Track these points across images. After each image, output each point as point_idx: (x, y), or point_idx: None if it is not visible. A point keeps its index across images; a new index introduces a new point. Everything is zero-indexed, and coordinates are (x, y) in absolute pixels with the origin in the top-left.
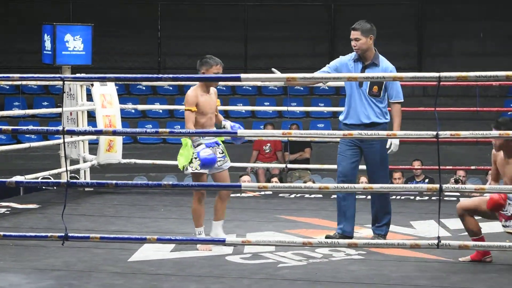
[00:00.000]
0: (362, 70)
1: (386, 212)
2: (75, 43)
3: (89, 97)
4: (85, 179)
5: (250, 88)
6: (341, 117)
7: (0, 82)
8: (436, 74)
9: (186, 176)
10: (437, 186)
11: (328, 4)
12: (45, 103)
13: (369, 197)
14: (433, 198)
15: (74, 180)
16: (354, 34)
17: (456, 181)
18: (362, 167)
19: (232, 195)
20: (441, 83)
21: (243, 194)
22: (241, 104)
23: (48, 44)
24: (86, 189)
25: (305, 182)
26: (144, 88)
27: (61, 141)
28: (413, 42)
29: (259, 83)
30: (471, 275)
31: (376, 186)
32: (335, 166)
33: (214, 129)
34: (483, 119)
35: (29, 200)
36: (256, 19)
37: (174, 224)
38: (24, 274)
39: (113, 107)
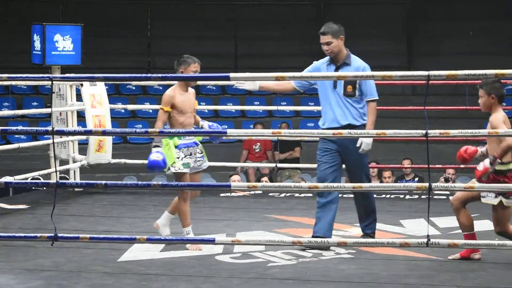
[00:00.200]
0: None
1: (371, 211)
2: (64, 43)
3: (79, 97)
4: (74, 179)
5: (240, 88)
6: (320, 123)
7: None
8: (425, 73)
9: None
10: (427, 185)
11: (318, 4)
12: (35, 104)
13: None
14: (422, 196)
15: (64, 181)
16: (324, 39)
17: (446, 180)
18: None
19: (222, 194)
20: (431, 81)
21: (233, 194)
22: (231, 104)
23: (37, 44)
24: (76, 189)
25: (295, 181)
26: (134, 88)
27: (50, 141)
28: (403, 41)
29: None
30: (460, 274)
31: (365, 185)
32: None
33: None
34: (472, 117)
35: (18, 201)
36: (246, 18)
37: None
38: (13, 275)
39: (103, 107)
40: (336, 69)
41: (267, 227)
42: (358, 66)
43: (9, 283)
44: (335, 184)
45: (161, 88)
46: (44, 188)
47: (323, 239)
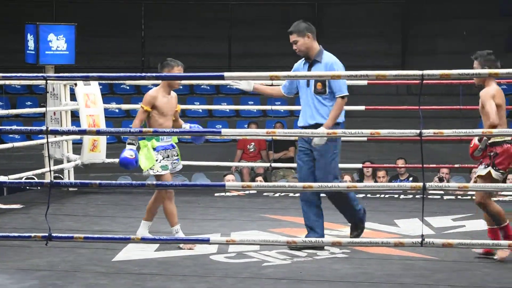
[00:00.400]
0: (309, 70)
1: (351, 214)
2: (58, 42)
3: (73, 97)
4: (69, 179)
5: (234, 87)
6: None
7: None
8: (419, 72)
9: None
10: (421, 184)
11: (312, 3)
12: (29, 103)
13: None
14: (417, 196)
15: (58, 180)
16: (291, 38)
17: (440, 179)
18: (344, 165)
19: (216, 194)
20: (424, 81)
21: (227, 194)
22: (225, 103)
23: (31, 44)
24: (70, 189)
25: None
26: (128, 87)
27: (44, 141)
28: (397, 40)
29: None
30: (455, 273)
31: (360, 185)
32: None
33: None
34: (466, 117)
35: (12, 200)
36: (240, 18)
37: (158, 223)
38: (8, 275)
39: (97, 106)
40: (309, 67)
41: (262, 226)
42: (327, 63)
43: (3, 283)
44: (329, 184)
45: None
46: (38, 187)
47: (317, 239)
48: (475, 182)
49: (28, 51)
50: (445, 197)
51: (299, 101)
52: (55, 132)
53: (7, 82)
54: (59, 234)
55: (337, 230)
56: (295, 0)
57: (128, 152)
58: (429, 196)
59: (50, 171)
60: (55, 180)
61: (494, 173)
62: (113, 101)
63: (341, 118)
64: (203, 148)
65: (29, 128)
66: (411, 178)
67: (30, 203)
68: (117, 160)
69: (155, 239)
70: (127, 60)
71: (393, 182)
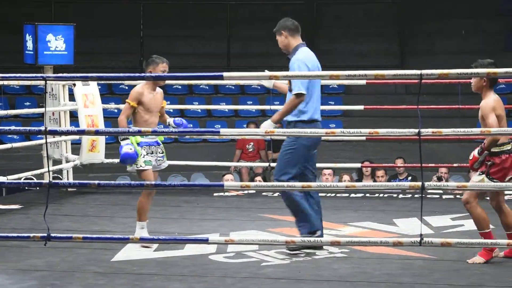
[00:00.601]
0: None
1: (297, 215)
2: (57, 43)
3: (72, 97)
4: (67, 179)
5: (233, 87)
6: None
7: None
8: (417, 72)
9: (169, 175)
10: (420, 184)
11: (310, 2)
12: (27, 103)
13: (352, 195)
14: (415, 195)
15: (57, 181)
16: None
17: (439, 179)
18: (343, 165)
19: (215, 194)
20: (423, 80)
21: (226, 193)
22: (224, 103)
23: (30, 44)
24: (69, 189)
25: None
26: (126, 87)
27: (43, 141)
28: (396, 40)
29: (242, 82)
30: (454, 272)
31: (359, 185)
32: (318, 165)
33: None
34: (465, 116)
35: (11, 201)
36: (238, 17)
37: (157, 223)
38: (7, 275)
39: (96, 107)
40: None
41: (261, 226)
42: (291, 61)
43: (2, 283)
44: (327, 184)
45: None
46: (37, 188)
47: (316, 238)
48: None
49: (26, 52)
50: (444, 197)
51: None
52: (54, 133)
53: (6, 82)
54: (58, 234)
55: (336, 229)
56: None
57: (127, 147)
58: (428, 196)
59: (49, 171)
60: (54, 181)
61: (487, 182)
62: (112, 101)
63: (293, 117)
64: (202, 148)
65: (28, 128)
66: (410, 178)
67: (29, 204)
68: (116, 160)
69: (154, 239)
70: (126, 60)
71: (392, 182)
